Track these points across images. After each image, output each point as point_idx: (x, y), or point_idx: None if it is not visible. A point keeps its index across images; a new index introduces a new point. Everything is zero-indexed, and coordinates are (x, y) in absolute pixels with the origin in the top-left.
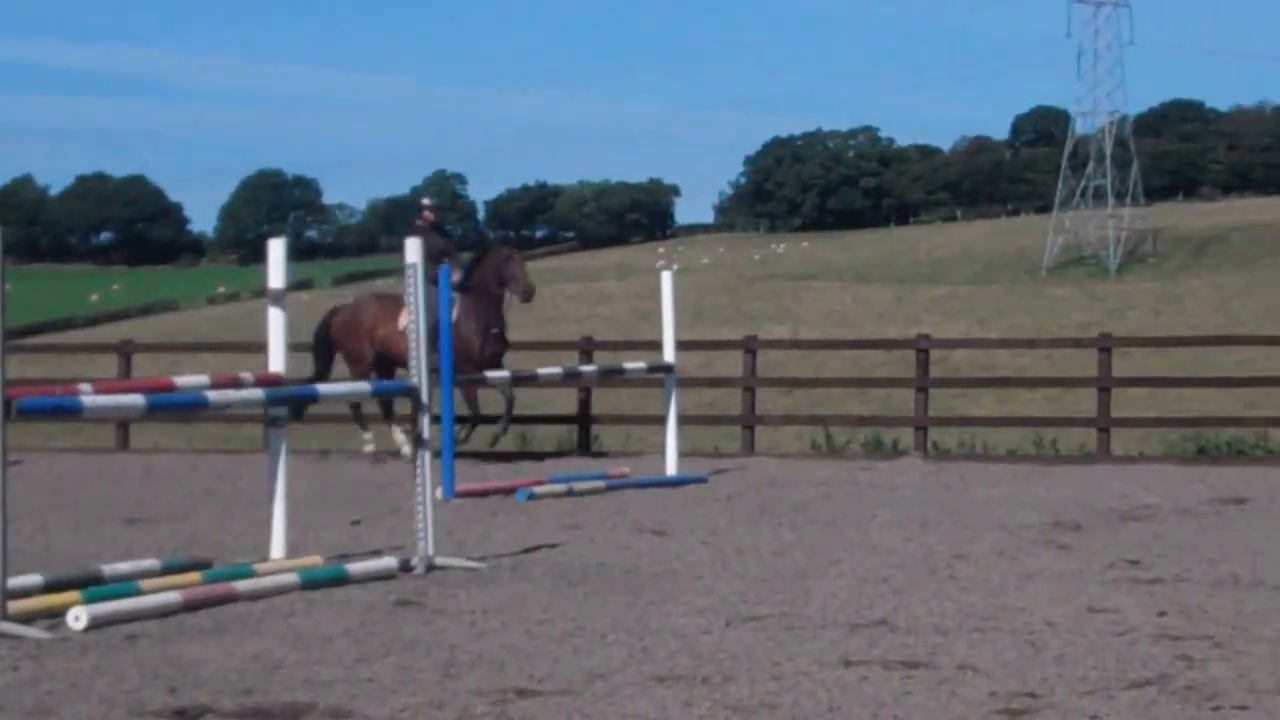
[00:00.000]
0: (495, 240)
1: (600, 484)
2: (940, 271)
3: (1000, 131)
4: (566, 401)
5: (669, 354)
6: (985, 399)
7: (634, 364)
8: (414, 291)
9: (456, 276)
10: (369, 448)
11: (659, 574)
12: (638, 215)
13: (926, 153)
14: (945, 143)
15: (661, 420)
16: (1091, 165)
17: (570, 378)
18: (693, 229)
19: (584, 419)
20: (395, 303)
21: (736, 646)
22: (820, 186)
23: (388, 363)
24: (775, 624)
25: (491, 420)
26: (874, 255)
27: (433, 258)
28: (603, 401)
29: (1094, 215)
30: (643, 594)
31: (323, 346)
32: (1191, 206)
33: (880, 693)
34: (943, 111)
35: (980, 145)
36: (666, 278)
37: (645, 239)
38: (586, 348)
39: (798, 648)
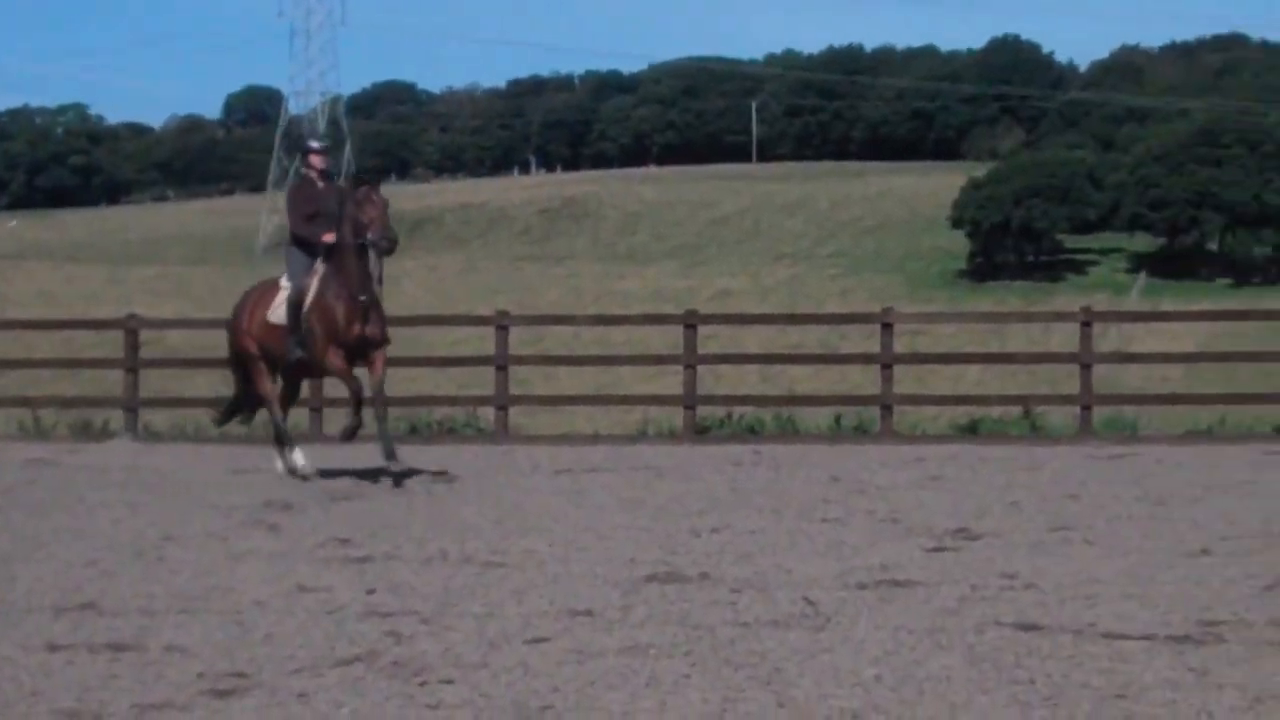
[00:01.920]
0: (355, 176)
1: None
2: (153, 252)
3: (213, 110)
4: None
5: None
6: (200, 380)
7: None
8: None
9: (333, 236)
10: (286, 464)
11: None
12: None
13: (138, 131)
14: (156, 121)
15: None
16: None
17: None
18: None
19: None
20: (274, 285)
21: None
22: (28, 164)
23: (275, 360)
24: None
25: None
26: (85, 235)
27: (312, 216)
28: None
29: None
30: None
31: (231, 354)
32: (405, 187)
33: (86, 676)
34: (154, 89)
35: (192, 124)
36: None
37: None
38: None
39: (0, 633)
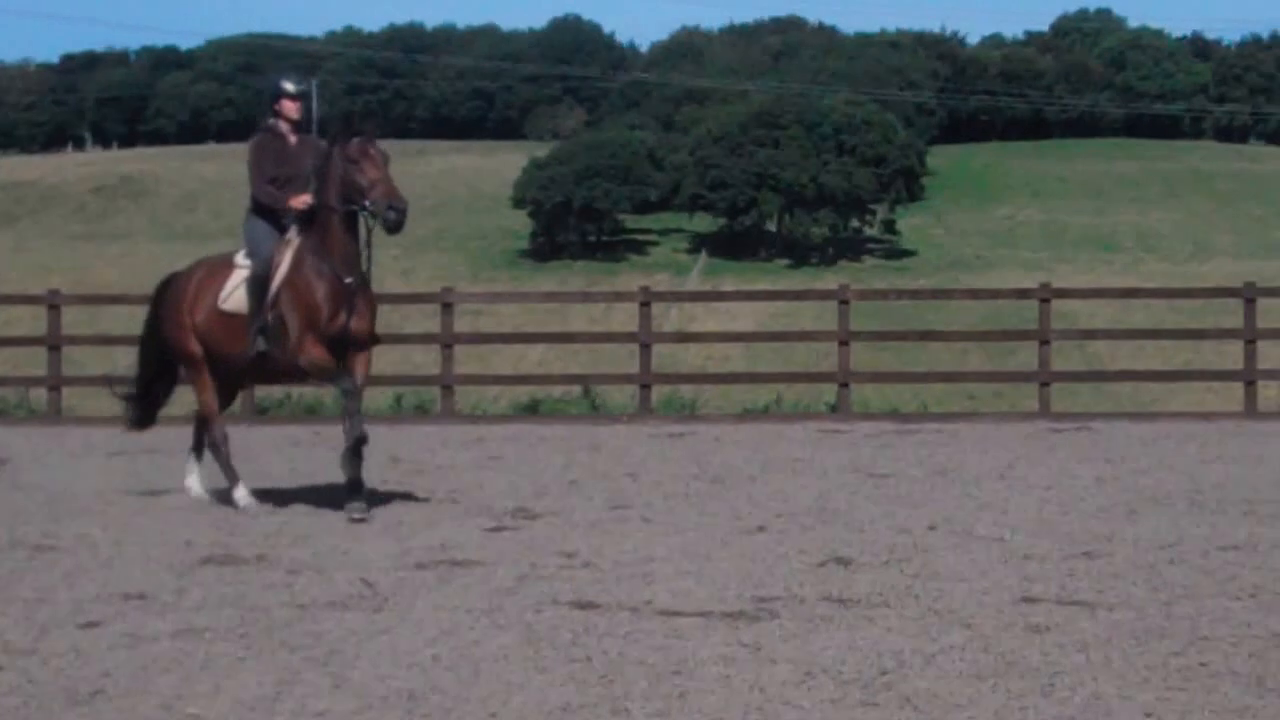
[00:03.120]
0: (340, 120)
1: None
2: None
3: None
4: None
5: None
6: None
7: None
8: None
9: (307, 199)
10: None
11: None
12: None
13: None
14: None
15: None
16: None
17: None
18: None
19: None
20: (227, 263)
21: None
22: None
23: (224, 361)
24: None
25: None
26: None
27: (278, 179)
28: None
29: None
30: None
31: (147, 335)
32: None
33: None
34: None
35: None
36: None
37: None
38: None
39: None
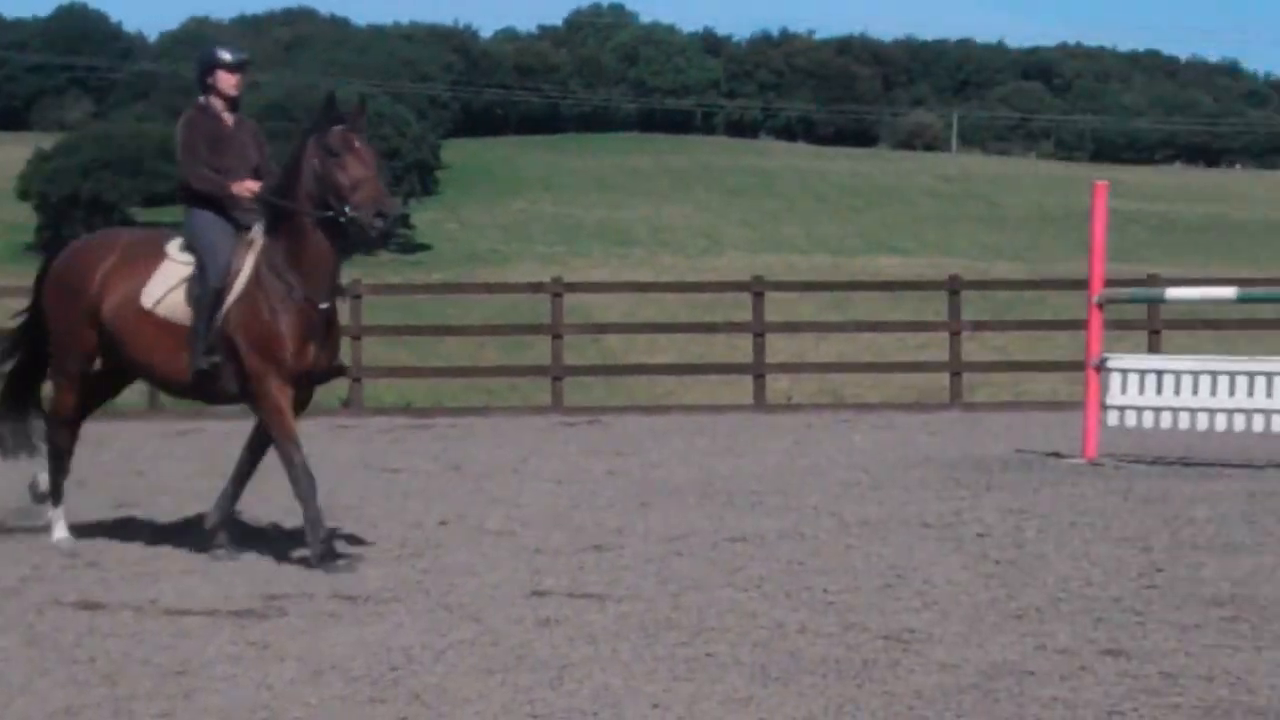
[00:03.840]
0: (326, 106)
1: None
2: None
3: None
4: None
5: None
6: None
7: None
8: None
9: (252, 185)
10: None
11: None
12: None
13: None
14: None
15: None
16: None
17: None
18: None
19: None
20: (155, 247)
21: None
22: None
23: (133, 368)
24: None
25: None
26: None
27: (229, 170)
28: None
29: None
30: None
31: (30, 318)
32: None
33: None
34: None
35: None
36: None
37: None
38: None
39: None
